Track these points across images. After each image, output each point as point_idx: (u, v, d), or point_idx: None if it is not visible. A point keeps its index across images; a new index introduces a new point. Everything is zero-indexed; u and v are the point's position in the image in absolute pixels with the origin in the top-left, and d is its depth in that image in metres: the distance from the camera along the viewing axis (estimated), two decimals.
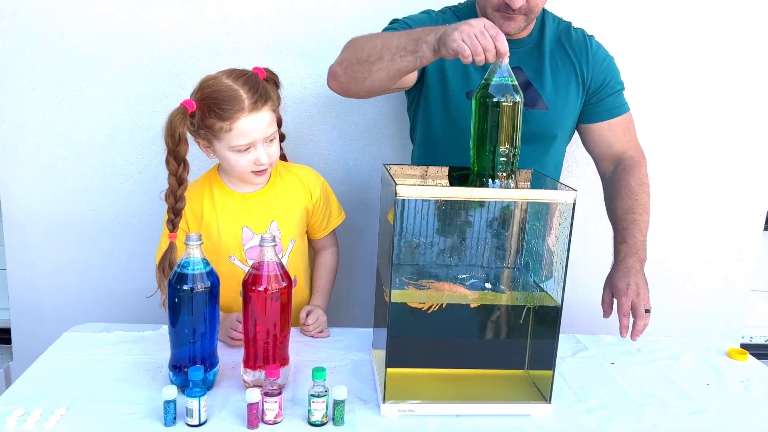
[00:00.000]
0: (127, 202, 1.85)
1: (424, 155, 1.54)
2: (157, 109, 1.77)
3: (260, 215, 1.42)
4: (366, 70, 1.23)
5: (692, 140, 1.90)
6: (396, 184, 1.01)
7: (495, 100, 1.05)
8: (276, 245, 1.14)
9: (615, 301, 1.37)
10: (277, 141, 1.37)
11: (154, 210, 1.81)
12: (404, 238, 1.09)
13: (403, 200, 1.03)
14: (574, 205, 1.06)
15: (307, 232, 1.52)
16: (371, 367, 1.27)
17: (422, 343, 1.17)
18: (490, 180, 1.06)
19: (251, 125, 1.29)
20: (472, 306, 1.13)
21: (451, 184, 1.22)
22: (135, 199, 1.84)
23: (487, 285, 1.15)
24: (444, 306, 1.10)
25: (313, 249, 1.59)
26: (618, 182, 1.49)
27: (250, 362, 1.15)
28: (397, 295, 1.09)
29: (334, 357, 1.32)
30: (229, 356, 1.28)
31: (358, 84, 1.27)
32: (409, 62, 1.18)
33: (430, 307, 1.11)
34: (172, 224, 1.30)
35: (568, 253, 1.08)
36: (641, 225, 1.44)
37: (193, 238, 1.11)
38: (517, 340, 1.18)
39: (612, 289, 1.39)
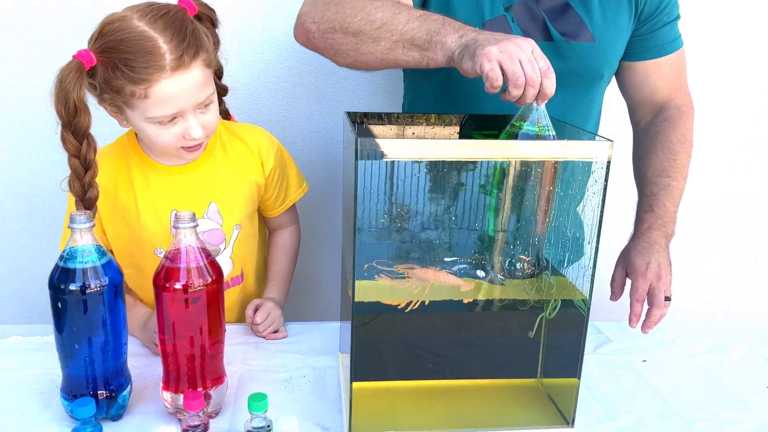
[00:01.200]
0: (42, 170, 1.52)
1: (423, 104, 1.21)
2: (72, 51, 1.42)
3: (194, 195, 1.09)
4: (352, 47, 0.91)
5: (712, 104, 1.59)
6: (357, 136, 0.70)
7: None
8: (196, 225, 0.83)
9: (630, 282, 1.08)
10: (214, 105, 1.01)
11: None
12: (371, 209, 0.78)
13: (369, 159, 0.72)
14: (609, 162, 0.75)
15: (259, 208, 1.21)
16: (338, 377, 0.98)
17: (400, 350, 0.88)
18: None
19: (176, 89, 0.92)
20: (465, 301, 0.83)
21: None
22: (51, 165, 1.51)
23: (480, 273, 0.85)
24: (427, 303, 0.80)
25: (267, 228, 1.28)
26: (655, 136, 1.17)
27: (170, 383, 0.86)
28: (364, 290, 0.79)
29: (291, 364, 1.02)
30: (153, 367, 0.98)
31: (338, 57, 0.95)
32: (411, 59, 0.87)
33: (408, 305, 0.81)
34: None
35: (599, 228, 0.78)
36: (674, 192, 1.14)
37: (79, 219, 0.80)
38: (527, 342, 0.89)
39: (627, 266, 1.09)
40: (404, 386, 0.88)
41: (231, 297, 1.18)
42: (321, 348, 1.07)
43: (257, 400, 0.77)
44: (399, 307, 0.81)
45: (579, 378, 0.84)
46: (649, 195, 1.15)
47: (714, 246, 1.74)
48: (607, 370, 1.04)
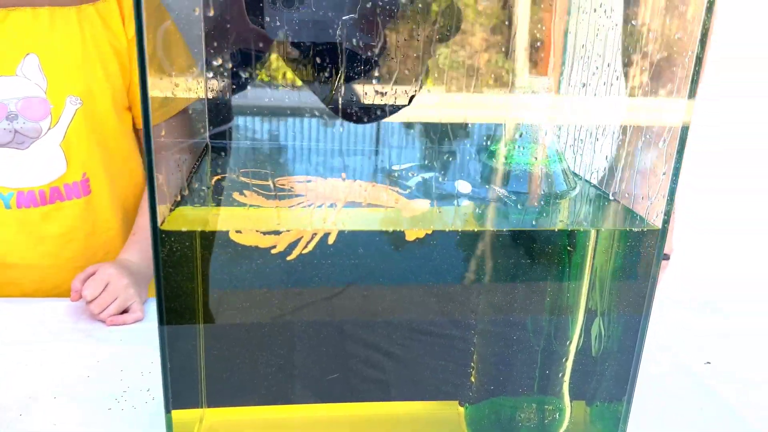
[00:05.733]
0: None
1: None
2: None
3: (7, 40, 0.73)
4: None
5: None
6: None
7: None
8: None
9: None
10: None
11: None
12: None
13: None
14: None
15: (132, 112, 0.82)
16: None
17: (275, 345, 0.46)
18: None
19: None
20: (410, 238, 0.41)
21: None
22: None
23: (462, 186, 0.44)
24: (331, 240, 0.39)
25: None
26: None
27: None
28: (195, 216, 0.38)
29: (133, 368, 0.61)
30: None
31: None
32: None
33: (295, 244, 0.40)
34: None
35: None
36: None
37: None
38: (524, 328, 0.48)
39: None
40: (286, 416, 0.46)
41: (67, 219, 0.79)
42: None
43: None
44: (275, 251, 0.40)
45: (629, 402, 0.43)
46: None
47: None
48: (650, 381, 0.64)
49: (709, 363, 0.69)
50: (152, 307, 0.73)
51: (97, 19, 0.76)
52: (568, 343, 0.44)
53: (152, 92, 0.35)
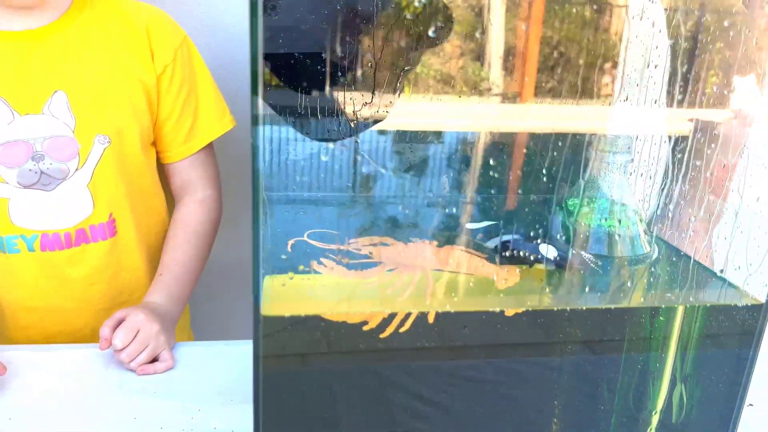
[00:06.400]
0: None
1: None
2: None
3: (34, 75, 0.70)
4: None
5: None
6: None
7: None
8: None
9: None
10: None
11: None
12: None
13: None
14: None
15: (156, 147, 0.79)
16: None
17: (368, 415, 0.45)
18: None
19: None
20: (509, 314, 0.40)
21: None
22: None
23: (546, 250, 0.43)
24: (432, 320, 0.37)
25: (171, 191, 0.84)
26: None
27: None
28: (278, 294, 0.36)
29: (173, 424, 0.59)
30: None
31: None
32: None
33: (383, 324, 0.38)
34: None
35: None
36: None
37: None
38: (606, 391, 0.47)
39: None
40: None
41: (92, 261, 0.76)
42: (234, 389, 0.64)
43: None
44: (366, 328, 0.38)
45: None
46: None
47: None
48: None
49: (751, 405, 0.68)
50: (182, 353, 0.70)
51: (126, 54, 0.73)
52: (654, 412, 0.43)
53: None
